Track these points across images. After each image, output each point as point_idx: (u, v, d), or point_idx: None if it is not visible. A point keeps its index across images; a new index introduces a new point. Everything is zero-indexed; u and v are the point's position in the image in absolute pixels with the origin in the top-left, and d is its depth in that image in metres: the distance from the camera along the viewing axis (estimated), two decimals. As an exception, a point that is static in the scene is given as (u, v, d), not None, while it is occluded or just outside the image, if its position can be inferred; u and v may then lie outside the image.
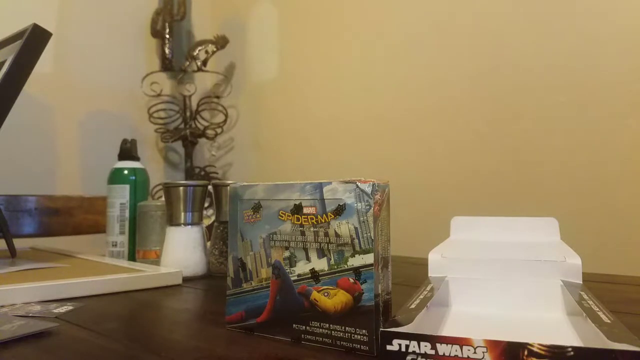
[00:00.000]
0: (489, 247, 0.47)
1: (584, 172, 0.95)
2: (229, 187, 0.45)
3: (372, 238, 0.34)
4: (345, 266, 0.35)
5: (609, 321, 0.30)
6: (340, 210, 0.36)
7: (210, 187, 0.88)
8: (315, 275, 0.36)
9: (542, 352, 0.25)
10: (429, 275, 0.45)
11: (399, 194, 1.20)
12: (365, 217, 0.35)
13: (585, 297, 0.37)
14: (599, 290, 0.58)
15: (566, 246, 0.48)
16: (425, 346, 0.27)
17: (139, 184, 0.82)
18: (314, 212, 0.37)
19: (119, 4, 1.54)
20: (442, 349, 0.27)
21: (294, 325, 0.37)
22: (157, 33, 1.54)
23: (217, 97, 1.60)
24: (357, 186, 0.35)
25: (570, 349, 0.25)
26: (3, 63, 0.66)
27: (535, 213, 0.99)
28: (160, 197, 1.49)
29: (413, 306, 0.34)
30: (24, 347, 0.36)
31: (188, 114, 1.55)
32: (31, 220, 1.08)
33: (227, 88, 1.66)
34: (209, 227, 1.13)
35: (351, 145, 1.32)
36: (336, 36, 1.37)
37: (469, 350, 0.26)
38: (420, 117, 1.18)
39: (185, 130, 1.52)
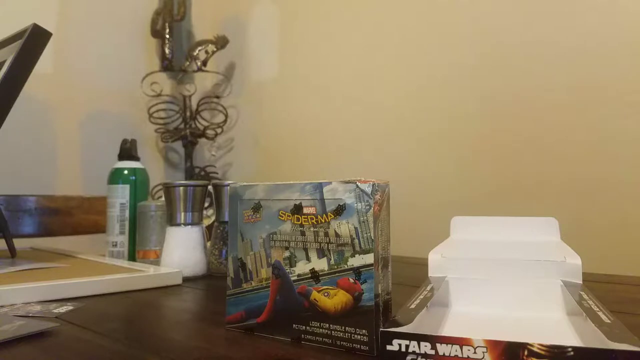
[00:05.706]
0: (489, 247, 0.47)
1: (584, 172, 0.95)
2: (229, 187, 0.45)
3: (372, 238, 0.34)
4: (345, 266, 0.35)
5: (609, 321, 0.30)
6: (340, 210, 0.36)
7: (210, 187, 0.88)
8: (315, 275, 0.36)
9: (542, 352, 0.25)
10: (429, 275, 0.45)
11: (399, 194, 1.20)
12: (365, 217, 0.35)
13: (585, 297, 0.37)
14: (599, 290, 0.58)
15: (566, 246, 0.48)
16: (425, 346, 0.27)
17: (139, 184, 0.82)
18: (314, 212, 0.37)
19: (119, 4, 1.54)
20: (442, 349, 0.27)
21: (294, 325, 0.37)
22: (157, 33, 1.54)
23: (217, 97, 1.60)
24: (357, 186, 0.35)
25: (570, 349, 0.25)
26: (3, 63, 0.66)
27: (535, 213, 0.99)
28: (160, 197, 1.49)
29: (413, 306, 0.34)
30: (24, 347, 0.36)
31: (188, 114, 1.55)
32: (31, 220, 1.08)
33: (227, 88, 1.66)
34: (209, 227, 1.13)
35: (351, 145, 1.32)
36: (336, 36, 1.37)
37: (469, 350, 0.26)
38: (420, 117, 1.18)
39: (185, 130, 1.52)
